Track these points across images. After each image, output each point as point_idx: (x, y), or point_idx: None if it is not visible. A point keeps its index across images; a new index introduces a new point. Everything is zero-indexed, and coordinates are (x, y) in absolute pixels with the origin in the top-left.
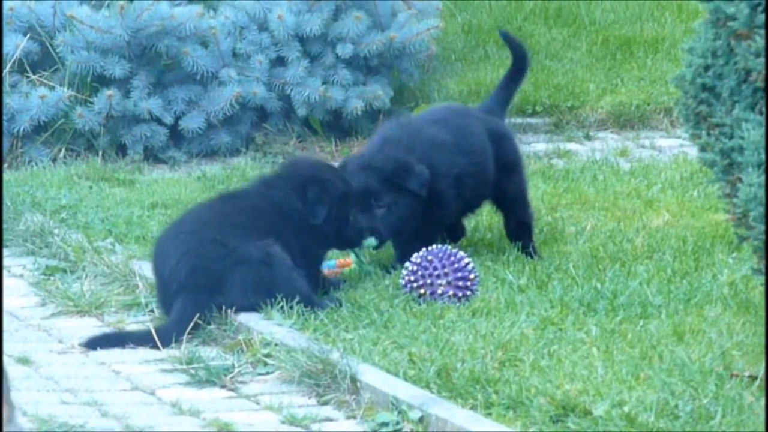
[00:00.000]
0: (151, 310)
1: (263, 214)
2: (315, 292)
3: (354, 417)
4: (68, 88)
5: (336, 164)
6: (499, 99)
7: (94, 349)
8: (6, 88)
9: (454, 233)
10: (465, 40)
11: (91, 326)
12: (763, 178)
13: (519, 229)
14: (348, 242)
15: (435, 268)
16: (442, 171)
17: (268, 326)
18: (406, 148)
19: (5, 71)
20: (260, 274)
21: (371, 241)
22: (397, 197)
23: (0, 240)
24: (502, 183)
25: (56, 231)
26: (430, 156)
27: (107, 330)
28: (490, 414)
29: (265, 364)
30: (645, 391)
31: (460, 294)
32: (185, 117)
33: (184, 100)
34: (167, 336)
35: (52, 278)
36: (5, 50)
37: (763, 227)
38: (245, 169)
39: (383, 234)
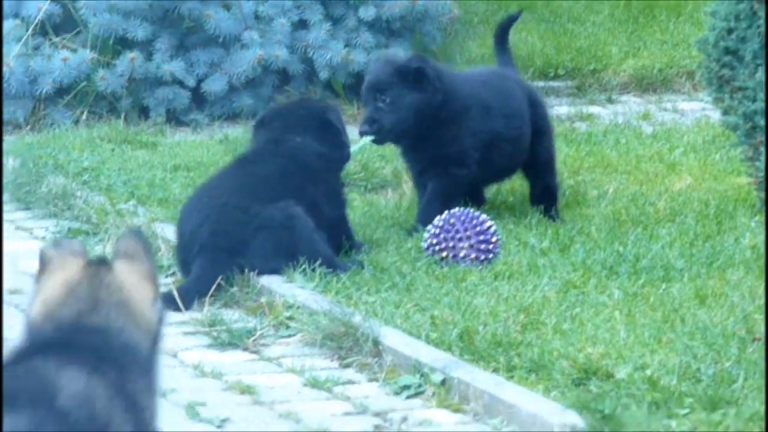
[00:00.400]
0: (173, 273)
1: (283, 173)
2: (350, 238)
3: (376, 380)
4: (90, 51)
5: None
6: (505, 59)
7: None
8: (28, 50)
9: (475, 200)
10: (487, 3)
11: None
12: None
13: (544, 195)
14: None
15: (457, 231)
16: (472, 130)
17: (291, 289)
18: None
19: (27, 33)
20: (282, 238)
21: (366, 139)
22: (403, 92)
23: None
24: (535, 148)
25: (78, 193)
26: (468, 113)
27: None
28: (512, 377)
29: (287, 326)
30: (667, 354)
31: (482, 257)
32: (207, 80)
33: (206, 62)
34: (189, 296)
35: (74, 240)
36: (27, 13)
37: None
38: None
39: (383, 124)
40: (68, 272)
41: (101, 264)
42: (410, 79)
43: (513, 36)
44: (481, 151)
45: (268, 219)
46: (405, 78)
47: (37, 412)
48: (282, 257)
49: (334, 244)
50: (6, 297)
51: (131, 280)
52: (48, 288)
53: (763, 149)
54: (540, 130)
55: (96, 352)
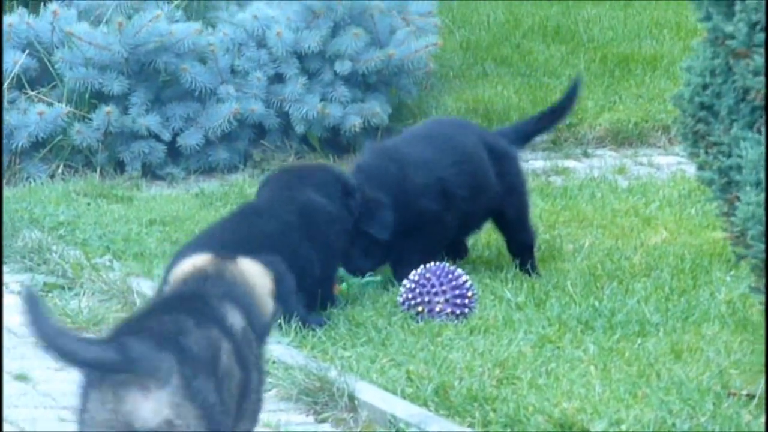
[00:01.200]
0: None
1: (284, 228)
2: (330, 295)
3: None
4: (66, 105)
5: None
6: (520, 128)
7: None
8: (4, 104)
9: (455, 252)
10: (463, 57)
11: None
12: (762, 196)
13: (519, 249)
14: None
15: (433, 286)
16: (424, 186)
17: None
18: (379, 175)
19: (4, 87)
20: None
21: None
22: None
23: (0, 257)
24: (503, 204)
25: (54, 247)
26: (406, 175)
27: None
28: None
29: None
30: (642, 409)
31: (458, 311)
32: (183, 134)
33: (182, 116)
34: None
35: (50, 295)
36: (3, 66)
37: (762, 246)
38: (243, 186)
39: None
40: (199, 260)
41: (228, 256)
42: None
43: (488, 90)
44: (440, 203)
45: None
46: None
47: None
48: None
49: (315, 300)
50: None
51: (253, 272)
52: (181, 269)
53: (738, 204)
54: (508, 185)
55: (222, 316)
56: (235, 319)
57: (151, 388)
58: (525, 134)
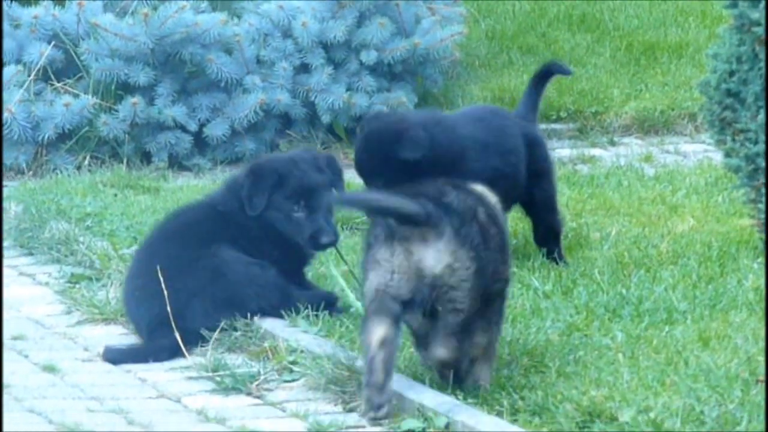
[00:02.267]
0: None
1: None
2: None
3: (380, 424)
4: (93, 96)
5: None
6: (528, 105)
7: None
8: (30, 96)
9: None
10: (489, 46)
11: (117, 334)
12: None
13: (547, 235)
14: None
15: None
16: (476, 170)
17: (294, 333)
18: (440, 143)
19: (29, 79)
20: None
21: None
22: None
23: (0, 247)
24: (532, 189)
25: (81, 239)
26: (464, 154)
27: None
28: (516, 420)
29: (291, 371)
30: (671, 396)
31: None
32: (209, 124)
33: (208, 107)
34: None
35: (77, 286)
36: (29, 58)
37: None
38: None
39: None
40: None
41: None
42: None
43: (514, 79)
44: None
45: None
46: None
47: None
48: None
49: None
50: (9, 343)
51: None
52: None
53: (765, 191)
54: (539, 170)
55: (474, 192)
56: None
57: (430, 240)
58: (535, 113)
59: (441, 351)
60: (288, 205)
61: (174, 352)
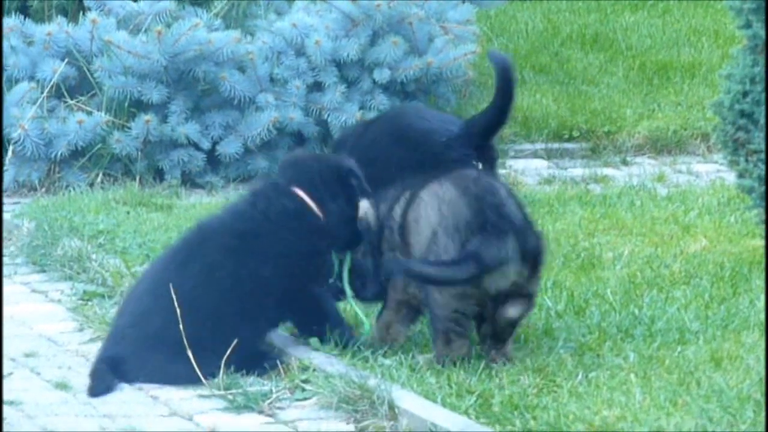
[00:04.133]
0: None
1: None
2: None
3: None
4: (106, 113)
5: None
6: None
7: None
8: (44, 112)
9: None
10: None
11: None
12: None
13: None
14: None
15: None
16: None
17: (306, 351)
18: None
19: (42, 96)
20: None
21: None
22: None
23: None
24: None
25: (94, 256)
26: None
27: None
28: None
29: (303, 389)
30: (683, 417)
31: None
32: (222, 142)
33: (221, 125)
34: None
35: (89, 303)
36: (43, 75)
37: None
38: None
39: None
40: None
41: None
42: None
43: (527, 98)
44: None
45: None
46: None
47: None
48: None
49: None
50: (22, 360)
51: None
52: None
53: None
54: None
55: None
56: None
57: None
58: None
59: (512, 311)
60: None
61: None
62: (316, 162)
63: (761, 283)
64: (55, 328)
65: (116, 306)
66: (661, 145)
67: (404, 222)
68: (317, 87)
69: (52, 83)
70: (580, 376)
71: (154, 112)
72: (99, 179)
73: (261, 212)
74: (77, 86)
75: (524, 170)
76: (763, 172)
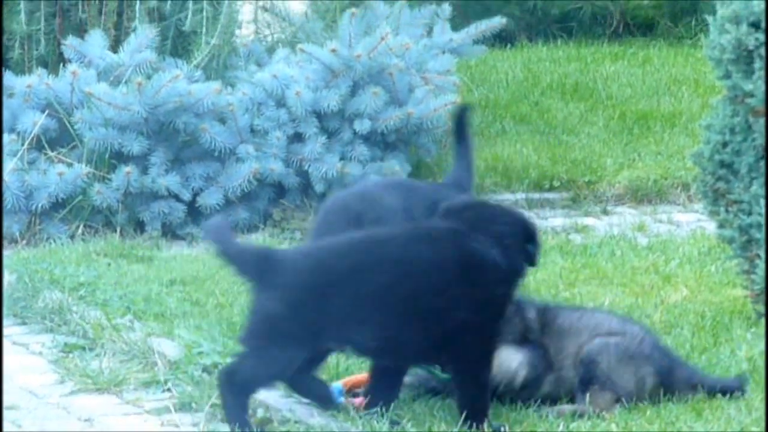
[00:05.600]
0: (169, 389)
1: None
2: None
3: None
4: (86, 165)
5: None
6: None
7: None
8: (24, 165)
9: None
10: (482, 115)
11: (111, 404)
12: None
13: None
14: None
15: None
16: None
17: (288, 404)
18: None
19: (23, 148)
20: None
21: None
22: None
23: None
24: None
25: (75, 308)
26: None
27: None
28: None
29: None
30: None
31: None
32: (203, 193)
33: (201, 176)
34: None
35: (70, 355)
36: (23, 127)
37: None
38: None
39: None
40: None
41: None
42: None
43: (507, 148)
44: None
45: None
46: None
47: None
48: None
49: None
50: (3, 412)
51: None
52: None
53: (758, 262)
54: None
55: None
56: None
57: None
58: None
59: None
60: None
61: None
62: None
63: (742, 332)
64: (36, 381)
65: (97, 358)
66: (641, 195)
67: None
68: (298, 138)
69: (32, 135)
70: (561, 427)
71: (134, 164)
72: (80, 231)
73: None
74: (58, 138)
75: None
76: (743, 222)
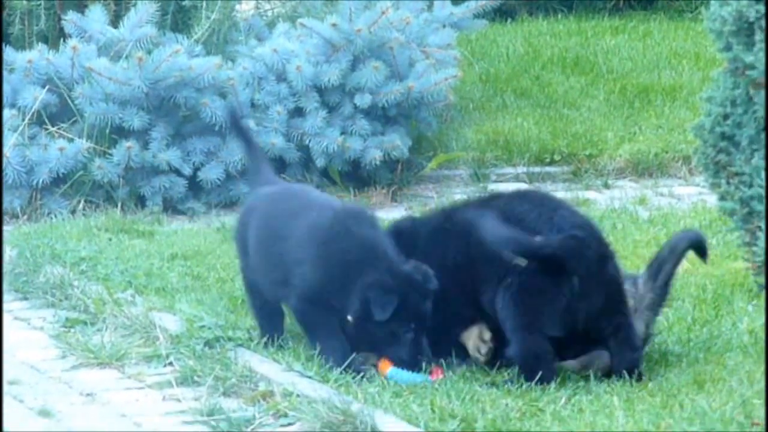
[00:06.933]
0: (170, 363)
1: None
2: None
3: None
4: (87, 140)
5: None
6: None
7: None
8: (25, 140)
9: None
10: (483, 89)
11: (112, 378)
12: None
13: None
14: None
15: None
16: None
17: (290, 377)
18: None
19: (23, 123)
20: None
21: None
22: None
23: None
24: None
25: (76, 283)
26: None
27: None
28: None
29: (286, 415)
30: None
31: None
32: (204, 168)
33: (202, 151)
34: None
35: (72, 330)
36: (24, 102)
37: None
38: None
39: None
40: None
41: None
42: None
43: (508, 122)
44: None
45: None
46: None
47: None
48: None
49: None
50: (5, 388)
51: None
52: None
53: (759, 234)
54: None
55: None
56: None
57: None
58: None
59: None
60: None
61: None
62: None
63: (743, 305)
64: (37, 356)
65: (99, 333)
66: (642, 168)
67: None
68: (298, 112)
69: (33, 110)
70: (563, 400)
71: (135, 139)
72: (81, 206)
73: None
74: (58, 113)
75: None
76: (744, 194)
